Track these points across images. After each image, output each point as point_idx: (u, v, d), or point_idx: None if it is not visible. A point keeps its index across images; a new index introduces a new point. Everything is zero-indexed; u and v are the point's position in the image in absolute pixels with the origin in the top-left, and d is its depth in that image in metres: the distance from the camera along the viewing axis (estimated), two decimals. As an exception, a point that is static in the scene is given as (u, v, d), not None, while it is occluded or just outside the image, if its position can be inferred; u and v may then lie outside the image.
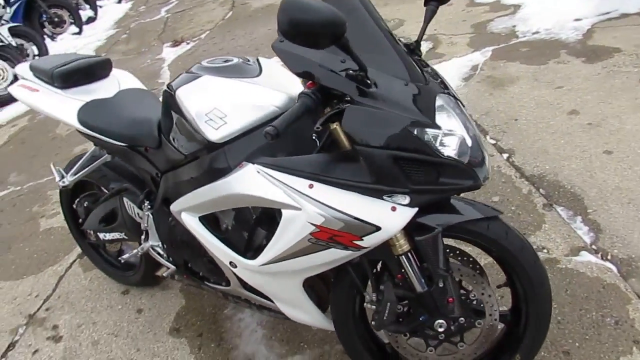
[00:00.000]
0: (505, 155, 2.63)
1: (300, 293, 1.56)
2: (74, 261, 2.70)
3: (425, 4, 1.42)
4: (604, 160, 2.42)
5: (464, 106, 1.35)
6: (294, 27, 1.04)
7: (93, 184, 2.21)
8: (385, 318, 1.45)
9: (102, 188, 2.14)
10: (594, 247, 2.01)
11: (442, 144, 1.24)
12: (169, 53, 5.52)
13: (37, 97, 1.97)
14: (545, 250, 2.04)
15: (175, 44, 5.68)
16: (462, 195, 1.44)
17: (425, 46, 4.04)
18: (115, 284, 2.45)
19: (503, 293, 1.69)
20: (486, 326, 1.49)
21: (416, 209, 1.27)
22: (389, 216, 1.26)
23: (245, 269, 1.52)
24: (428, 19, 1.43)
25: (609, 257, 1.95)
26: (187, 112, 1.50)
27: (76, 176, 2.07)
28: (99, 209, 2.12)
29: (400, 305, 1.47)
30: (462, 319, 1.47)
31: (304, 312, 1.62)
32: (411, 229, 1.36)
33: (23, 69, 2.07)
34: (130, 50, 6.01)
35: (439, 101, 1.26)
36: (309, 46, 1.10)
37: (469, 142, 1.29)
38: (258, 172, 1.35)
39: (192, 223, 1.60)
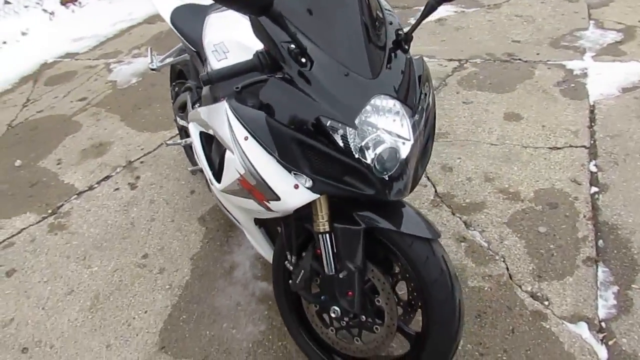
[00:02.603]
0: (593, 190, 2.25)
1: (253, 227, 1.71)
2: (178, 133, 3.19)
3: (427, -3, 1.29)
4: (701, 240, 1.94)
5: (413, 116, 1.26)
6: (221, -2, 1.08)
7: (188, 73, 2.56)
8: (297, 282, 1.53)
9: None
10: (602, 323, 1.72)
11: (366, 146, 1.21)
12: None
13: (153, -11, 2.30)
14: (546, 302, 1.81)
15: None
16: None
17: (611, 37, 3.41)
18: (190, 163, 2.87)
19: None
20: (382, 334, 1.47)
21: (318, 195, 1.28)
22: (290, 192, 1.30)
23: (216, 189, 1.71)
24: (425, 14, 1.31)
25: (609, 343, 1.67)
26: (204, 37, 1.66)
27: (161, 63, 2.42)
28: (180, 97, 2.47)
29: (317, 278, 1.54)
30: (363, 316, 1.48)
31: (257, 244, 1.78)
32: (340, 215, 1.38)
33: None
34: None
35: (375, 101, 1.20)
36: (239, 12, 1.14)
37: (400, 155, 1.23)
38: (225, 110, 1.48)
39: (193, 135, 1.82)
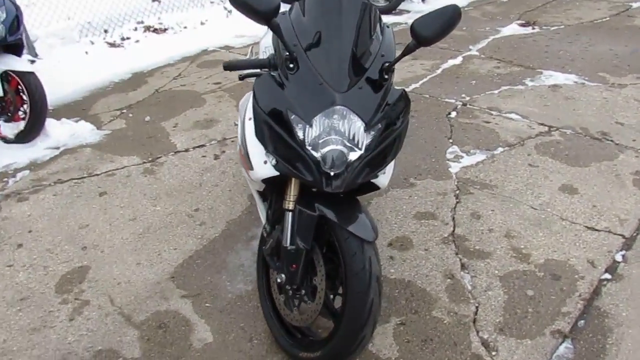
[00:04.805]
0: (605, 276, 2.20)
1: (258, 198, 2.07)
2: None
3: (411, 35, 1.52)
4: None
5: (367, 131, 1.50)
6: (233, 2, 1.46)
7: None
8: (266, 248, 1.85)
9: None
10: (534, 388, 1.75)
11: (318, 143, 1.49)
12: (509, 29, 5.58)
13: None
14: (493, 352, 1.88)
15: (524, 24, 5.67)
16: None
17: None
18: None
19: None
20: (312, 309, 1.72)
21: (277, 173, 1.59)
22: (260, 165, 1.64)
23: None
24: (405, 53, 1.54)
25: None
26: (262, 40, 2.07)
27: (254, 60, 2.90)
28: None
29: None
30: (303, 290, 1.74)
31: (261, 213, 2.12)
32: (305, 200, 1.67)
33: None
34: (490, 13, 6.27)
35: (335, 109, 1.49)
36: (249, 18, 1.51)
37: (346, 158, 1.49)
38: (248, 98, 1.87)
39: (239, 116, 2.23)
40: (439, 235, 2.48)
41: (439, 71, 4.51)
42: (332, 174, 1.50)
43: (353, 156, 1.51)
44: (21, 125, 3.58)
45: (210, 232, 2.62)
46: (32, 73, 3.53)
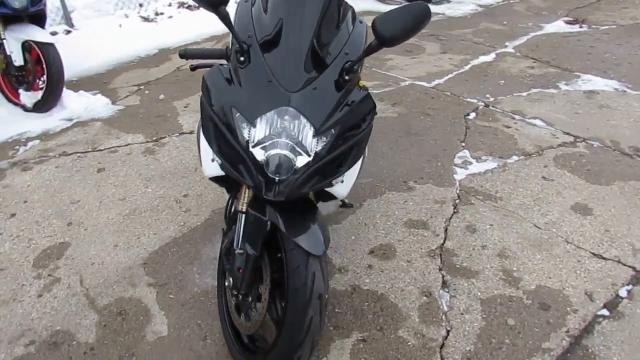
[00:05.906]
0: (603, 312, 1.98)
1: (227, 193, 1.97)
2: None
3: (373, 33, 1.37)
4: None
5: (316, 136, 1.36)
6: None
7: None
8: (222, 247, 1.76)
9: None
10: None
11: (270, 146, 1.37)
12: (553, 26, 5.19)
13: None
14: (454, 383, 1.72)
15: (572, 21, 5.26)
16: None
17: None
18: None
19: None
20: (257, 316, 1.62)
21: (223, 173, 1.48)
22: (208, 163, 1.54)
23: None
24: (367, 52, 1.38)
25: None
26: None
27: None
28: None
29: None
30: (249, 297, 1.64)
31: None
32: (257, 203, 1.55)
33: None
34: (536, 7, 5.84)
35: (281, 110, 1.36)
36: (199, 4, 1.39)
37: (293, 164, 1.36)
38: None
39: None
40: (426, 247, 2.32)
41: (467, 67, 4.25)
42: (276, 179, 1.38)
43: (300, 162, 1.38)
44: (39, 95, 3.63)
45: (194, 220, 2.56)
46: (51, 44, 3.55)
